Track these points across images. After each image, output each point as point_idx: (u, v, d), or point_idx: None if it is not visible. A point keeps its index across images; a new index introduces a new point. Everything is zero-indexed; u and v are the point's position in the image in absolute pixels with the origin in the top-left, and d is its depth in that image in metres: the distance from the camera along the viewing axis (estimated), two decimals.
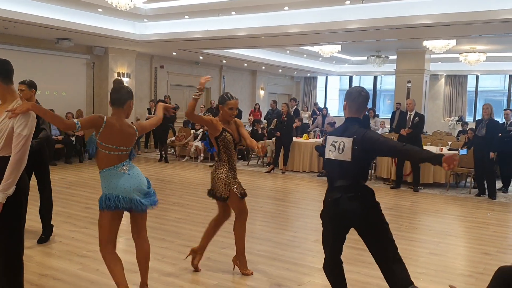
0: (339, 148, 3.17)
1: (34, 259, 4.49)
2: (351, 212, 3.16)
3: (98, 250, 4.79)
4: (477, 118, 19.05)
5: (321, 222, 3.42)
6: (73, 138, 11.65)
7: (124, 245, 5.17)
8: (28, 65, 12.07)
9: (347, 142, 3.13)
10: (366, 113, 14.25)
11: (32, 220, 5.49)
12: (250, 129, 13.29)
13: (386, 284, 4.13)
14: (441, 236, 5.89)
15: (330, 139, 3.26)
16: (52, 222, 5.20)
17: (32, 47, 12.23)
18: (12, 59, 10.72)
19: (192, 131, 13.26)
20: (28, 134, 3.01)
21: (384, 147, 3.13)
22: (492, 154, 8.38)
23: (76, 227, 5.72)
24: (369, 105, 18.44)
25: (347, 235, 3.29)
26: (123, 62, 14.22)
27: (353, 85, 22.44)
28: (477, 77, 19.41)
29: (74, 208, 6.76)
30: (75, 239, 5.21)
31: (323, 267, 3.48)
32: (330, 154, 3.23)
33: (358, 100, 3.26)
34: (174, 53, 15.00)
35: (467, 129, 12.40)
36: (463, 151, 9.03)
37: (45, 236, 5.07)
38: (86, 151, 12.38)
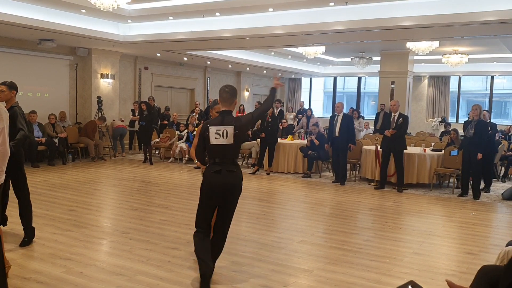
0: (223, 135, 3.98)
1: (17, 262, 4.42)
2: (228, 182, 4.03)
3: (82, 253, 4.76)
4: (460, 119, 19.41)
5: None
6: (56, 140, 11.50)
7: (109, 248, 5.13)
8: (10, 66, 11.90)
9: (229, 129, 3.97)
10: (351, 114, 14.41)
11: (14, 223, 5.41)
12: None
13: (371, 284, 4.17)
14: (424, 236, 5.96)
15: (213, 129, 3.99)
16: (34, 225, 5.13)
17: (14, 48, 12.04)
18: None
19: (177, 132, 13.21)
20: (3, 126, 3.38)
21: (255, 120, 4.43)
22: (480, 155, 8.39)
23: (59, 229, 5.65)
24: (354, 106, 18.60)
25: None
26: (106, 63, 14.09)
27: (338, 86, 22.58)
28: (460, 78, 19.68)
29: (57, 210, 6.67)
30: (58, 242, 5.14)
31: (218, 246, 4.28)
32: (216, 141, 3.98)
33: (224, 96, 4.07)
34: (158, 54, 14.92)
35: (450, 130, 12.57)
36: (454, 152, 9.12)
37: (28, 239, 4.99)
38: (70, 153, 12.27)
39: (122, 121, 14.24)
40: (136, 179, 9.75)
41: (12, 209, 5.34)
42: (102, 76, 13.94)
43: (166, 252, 4.90)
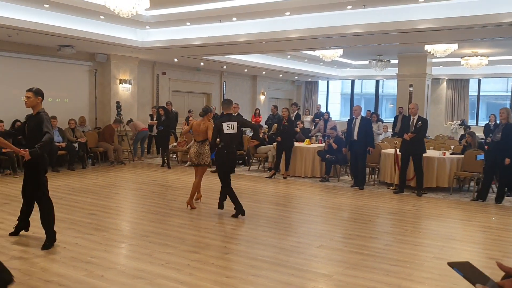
0: (232, 127, 6.61)
1: (39, 265, 4.49)
2: (232, 157, 6.80)
3: (103, 256, 4.81)
4: (480, 122, 19.13)
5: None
6: (76, 145, 11.66)
7: (129, 251, 5.18)
8: (31, 73, 12.13)
9: (235, 123, 6.65)
10: (370, 116, 14.31)
11: (36, 227, 5.50)
12: (251, 134, 13.28)
13: None
14: (445, 240, 5.88)
15: (225, 124, 6.58)
16: (55, 229, 5.20)
17: (35, 55, 12.27)
18: (16, 67, 10.94)
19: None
20: None
21: (247, 125, 7.57)
22: (507, 160, 8.16)
23: (80, 233, 5.72)
24: (371, 109, 18.47)
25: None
26: (125, 69, 14.26)
27: (355, 89, 22.47)
28: (479, 80, 19.41)
29: (77, 214, 6.76)
30: (79, 245, 5.20)
31: (225, 191, 6.85)
32: (227, 130, 6.59)
33: (225, 106, 6.92)
34: (176, 60, 15.04)
35: (465, 133, 12.38)
36: (480, 156, 8.97)
37: (49, 242, 5.07)
38: (89, 158, 12.43)
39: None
40: (154, 183, 9.83)
41: (36, 213, 5.43)
42: (121, 81, 14.11)
43: (185, 255, 4.92)
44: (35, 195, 5.18)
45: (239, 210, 6.74)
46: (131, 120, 13.53)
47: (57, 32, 10.34)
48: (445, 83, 19.77)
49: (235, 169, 11.70)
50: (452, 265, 1.44)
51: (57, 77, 12.84)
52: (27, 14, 9.70)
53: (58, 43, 11.77)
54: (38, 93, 5.10)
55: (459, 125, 18.68)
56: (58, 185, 9.14)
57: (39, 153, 4.87)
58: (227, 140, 6.59)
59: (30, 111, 5.23)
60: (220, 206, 7.11)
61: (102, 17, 10.49)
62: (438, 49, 12.12)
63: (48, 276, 4.23)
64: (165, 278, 4.25)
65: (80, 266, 4.52)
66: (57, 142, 11.18)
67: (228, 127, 6.58)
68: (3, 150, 9.87)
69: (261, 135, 12.39)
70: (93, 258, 4.76)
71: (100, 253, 4.96)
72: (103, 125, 13.54)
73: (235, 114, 11.84)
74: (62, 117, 11.94)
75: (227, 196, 6.87)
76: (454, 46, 12.04)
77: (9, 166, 10.33)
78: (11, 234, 5.45)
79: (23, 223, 5.46)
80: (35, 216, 5.42)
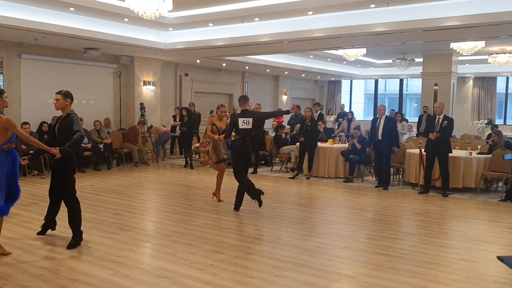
0: (247, 123, 7.03)
1: (66, 264, 4.57)
2: (249, 150, 7.20)
3: (128, 255, 4.87)
4: (508, 121, 18.70)
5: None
6: (101, 146, 11.85)
7: (154, 251, 5.23)
8: (57, 75, 12.39)
9: (250, 119, 7.04)
10: (394, 115, 14.14)
11: (63, 226, 5.60)
12: (273, 134, 13.26)
13: None
14: (472, 241, 5.76)
15: (240, 119, 7.03)
16: (82, 228, 5.28)
17: (60, 57, 12.52)
18: (42, 69, 11.16)
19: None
20: None
21: (266, 116, 7.92)
22: None
23: (105, 232, 5.80)
24: (395, 108, 18.24)
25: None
26: (148, 71, 14.42)
27: (379, 88, 22.22)
28: (507, 78, 18.96)
29: (103, 214, 6.86)
30: (105, 245, 5.28)
31: (236, 176, 7.18)
32: (242, 126, 7.03)
33: (241, 102, 7.31)
34: (198, 61, 15.14)
35: (491, 132, 12.11)
36: (508, 156, 8.76)
37: (74, 242, 5.16)
38: (114, 158, 12.61)
39: (164, 126, 14.52)
40: (177, 183, 9.91)
41: (62, 213, 5.53)
42: (145, 83, 14.28)
43: (209, 255, 4.94)
44: (63, 195, 5.28)
45: (255, 195, 7.13)
46: (151, 126, 13.67)
47: (82, 35, 10.53)
48: (471, 81, 19.38)
49: (258, 169, 11.81)
50: (502, 258, 1.41)
51: (82, 79, 13.07)
52: (53, 18, 9.90)
53: (83, 46, 11.99)
54: (67, 95, 5.19)
55: (486, 124, 18.29)
56: (84, 185, 9.29)
57: (69, 151, 4.96)
58: (242, 134, 7.10)
59: (58, 113, 5.33)
60: (236, 205, 7.34)
61: (126, 19, 10.63)
62: (464, 47, 11.89)
63: (75, 275, 4.30)
64: (189, 277, 4.28)
65: (106, 265, 4.58)
66: (83, 144, 11.37)
67: (244, 123, 7.06)
68: (30, 152, 10.08)
69: (282, 135, 12.38)
70: (118, 258, 4.82)
71: (125, 253, 5.02)
72: (127, 127, 13.71)
73: None
74: (88, 118, 12.15)
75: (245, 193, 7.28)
76: (481, 44, 11.79)
77: (36, 167, 10.55)
78: (38, 233, 5.56)
79: (49, 223, 5.57)
80: (62, 216, 5.52)
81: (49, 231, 5.62)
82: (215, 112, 7.97)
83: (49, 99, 11.71)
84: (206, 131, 7.73)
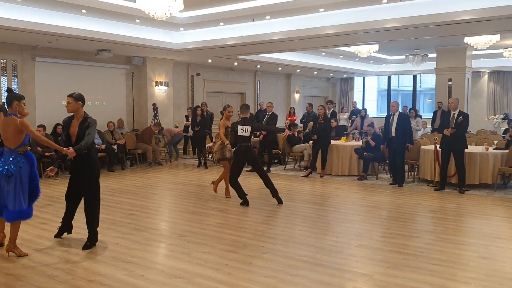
0: (246, 130, 7.45)
1: (82, 265, 4.59)
2: (248, 154, 7.59)
3: (143, 256, 4.88)
4: None
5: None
6: (115, 147, 11.92)
7: (168, 251, 5.23)
8: (70, 77, 12.50)
9: (249, 128, 7.49)
10: (407, 112, 14.00)
11: (79, 227, 5.64)
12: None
13: None
14: (490, 239, 5.66)
15: (239, 127, 7.47)
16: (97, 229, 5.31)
17: (73, 59, 12.63)
18: (56, 72, 11.25)
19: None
20: None
21: (263, 128, 10.30)
22: None
23: (120, 233, 5.83)
24: (409, 105, 18.06)
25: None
26: (160, 71, 14.48)
27: (392, 84, 22.03)
28: None
29: (117, 214, 6.90)
30: (119, 245, 5.30)
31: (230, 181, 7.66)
32: (241, 133, 7.46)
33: (243, 111, 7.74)
34: (210, 61, 15.16)
35: (509, 127, 11.92)
36: None
37: (90, 242, 5.18)
38: (128, 159, 12.68)
39: (177, 127, 14.58)
40: (191, 183, 9.92)
41: (77, 214, 5.57)
42: (157, 83, 14.34)
43: (223, 255, 4.93)
44: (88, 197, 5.28)
45: (243, 200, 7.57)
46: (162, 128, 13.71)
47: (94, 37, 10.61)
48: (486, 76, 19.12)
49: (271, 168, 11.77)
50: None
51: (95, 81, 13.17)
52: (66, 20, 9.99)
53: (95, 48, 12.07)
54: (78, 98, 5.18)
55: (502, 119, 18.03)
56: None
57: (82, 149, 4.99)
58: (240, 140, 7.53)
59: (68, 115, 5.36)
60: (278, 200, 7.64)
61: (137, 20, 10.68)
62: (478, 41, 11.73)
63: (90, 275, 4.32)
64: (203, 277, 4.27)
65: (121, 265, 4.60)
66: (97, 145, 11.46)
67: (242, 130, 7.51)
68: (46, 154, 10.19)
69: (295, 133, 12.32)
70: (133, 258, 4.83)
71: (140, 253, 5.03)
72: (141, 127, 13.78)
73: (270, 113, 11.82)
74: (101, 120, 12.18)
75: (272, 189, 7.64)
76: (496, 38, 11.62)
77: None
78: (55, 236, 5.59)
79: (66, 227, 5.59)
80: (78, 217, 5.56)
81: (65, 234, 5.65)
82: (226, 112, 8.22)
83: (63, 101, 11.68)
84: (220, 133, 8.05)
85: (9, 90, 5.02)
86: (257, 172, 7.71)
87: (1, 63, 11.25)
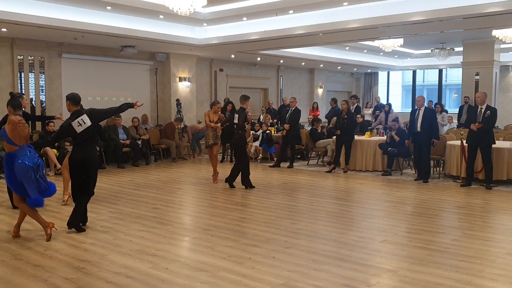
0: (236, 118, 8.59)
1: (108, 258, 4.67)
2: (240, 136, 8.61)
3: (167, 249, 4.94)
4: None
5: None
6: (139, 142, 12.07)
7: (192, 244, 5.28)
8: (95, 73, 12.70)
9: (237, 116, 8.64)
10: (432, 106, 13.76)
11: (104, 221, 5.73)
12: (309, 128, 13.14)
13: (461, 286, 3.94)
14: None
15: (236, 116, 8.51)
16: (124, 223, 5.43)
17: (99, 56, 12.82)
18: (82, 68, 11.50)
19: (252, 132, 13.30)
20: None
21: (241, 117, 8.72)
22: None
23: (145, 226, 5.90)
24: (434, 100, 17.75)
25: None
26: (184, 67, 14.57)
27: (417, 79, 21.66)
28: None
29: (142, 208, 6.98)
30: (144, 238, 5.37)
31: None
32: (235, 120, 8.65)
33: (240, 100, 8.74)
34: (233, 56, 15.17)
35: None
36: None
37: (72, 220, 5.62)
38: (152, 154, 12.82)
39: (200, 122, 14.66)
40: None
41: (98, 208, 5.65)
42: (180, 79, 14.43)
43: (246, 249, 4.95)
44: (91, 190, 5.66)
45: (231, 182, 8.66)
46: (186, 126, 13.79)
47: (119, 33, 10.74)
48: None
49: (294, 163, 11.73)
50: None
51: (120, 77, 13.34)
52: (91, 17, 10.13)
53: (120, 44, 12.21)
54: (67, 97, 5.79)
55: None
56: (123, 180, 9.49)
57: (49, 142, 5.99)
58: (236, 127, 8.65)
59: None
60: (230, 184, 8.68)
61: (161, 16, 10.76)
62: (507, 34, 11.46)
63: (115, 268, 4.39)
64: (227, 271, 4.29)
65: (145, 258, 4.66)
66: (122, 140, 11.63)
67: (235, 119, 8.59)
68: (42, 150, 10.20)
69: (318, 128, 12.23)
70: (158, 251, 4.89)
71: (164, 246, 5.09)
72: (164, 123, 13.91)
73: (293, 109, 11.76)
74: (126, 115, 12.32)
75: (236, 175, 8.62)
76: None
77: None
78: (78, 231, 5.69)
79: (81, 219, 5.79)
80: (99, 210, 5.65)
81: (89, 224, 5.75)
82: (215, 107, 9.28)
83: (89, 96, 12.03)
84: (205, 121, 9.17)
85: (11, 94, 5.63)
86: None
87: (29, 60, 11.49)
